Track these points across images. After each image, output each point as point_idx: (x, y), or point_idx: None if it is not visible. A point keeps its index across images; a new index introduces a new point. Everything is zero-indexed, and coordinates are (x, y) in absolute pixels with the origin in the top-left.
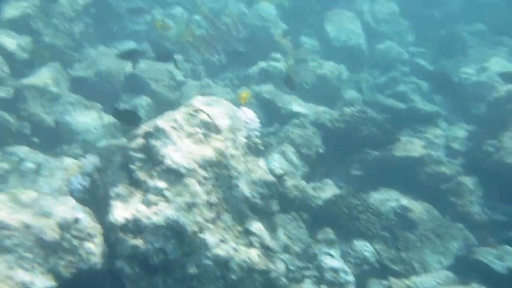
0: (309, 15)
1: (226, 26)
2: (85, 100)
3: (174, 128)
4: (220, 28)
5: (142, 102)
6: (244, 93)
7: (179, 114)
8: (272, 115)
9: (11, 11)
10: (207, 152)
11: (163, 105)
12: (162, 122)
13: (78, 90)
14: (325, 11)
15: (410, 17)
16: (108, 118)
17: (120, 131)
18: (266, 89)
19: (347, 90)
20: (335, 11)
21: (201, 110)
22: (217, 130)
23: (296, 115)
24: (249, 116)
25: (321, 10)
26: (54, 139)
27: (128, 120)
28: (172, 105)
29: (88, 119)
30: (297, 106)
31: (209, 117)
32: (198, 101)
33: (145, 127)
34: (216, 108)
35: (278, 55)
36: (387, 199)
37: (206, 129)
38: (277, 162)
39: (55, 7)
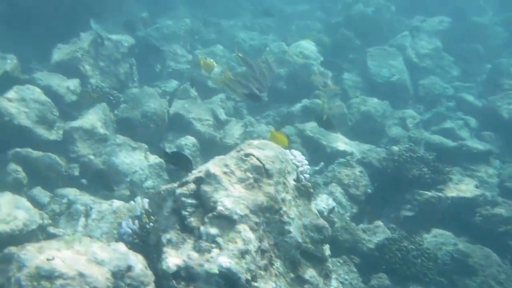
0: (350, 51)
1: (260, 67)
2: (131, 140)
3: (225, 173)
4: (254, 68)
5: (187, 142)
6: (280, 134)
7: (230, 159)
8: (316, 153)
9: (60, 55)
10: (259, 197)
11: (207, 145)
12: (213, 167)
13: (124, 131)
14: (365, 47)
15: (453, 51)
16: (154, 159)
17: (165, 172)
18: (310, 126)
19: (391, 127)
20: (376, 47)
21: (252, 155)
22: (267, 174)
23: (342, 153)
24: (299, 159)
25: (361, 46)
26: (103, 180)
27: (180, 164)
28: (216, 144)
29: (135, 159)
30: (342, 144)
31: (260, 161)
32: (248, 145)
33: (196, 172)
34: (266, 151)
35: (320, 93)
36: (442, 242)
37: (257, 174)
38: (326, 203)
39: (101, 49)
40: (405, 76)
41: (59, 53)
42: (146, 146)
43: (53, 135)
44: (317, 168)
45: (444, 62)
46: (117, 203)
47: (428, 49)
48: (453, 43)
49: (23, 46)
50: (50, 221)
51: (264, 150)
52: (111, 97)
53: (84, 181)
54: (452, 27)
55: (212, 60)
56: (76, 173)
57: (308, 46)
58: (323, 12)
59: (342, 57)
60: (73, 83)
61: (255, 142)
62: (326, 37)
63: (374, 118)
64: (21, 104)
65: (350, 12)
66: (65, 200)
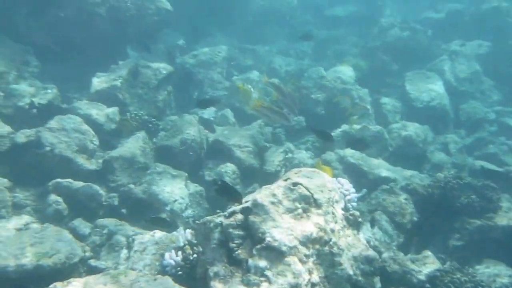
0: (387, 75)
1: (291, 94)
2: (171, 169)
3: (273, 203)
4: (286, 96)
5: (228, 169)
6: (324, 166)
7: (277, 188)
8: (358, 180)
9: (100, 84)
10: (308, 228)
11: (247, 172)
12: (261, 196)
13: (164, 159)
14: (402, 71)
15: (494, 75)
16: (194, 187)
17: (206, 200)
18: (351, 152)
19: (434, 152)
20: (415, 71)
21: (300, 184)
22: (316, 204)
23: (385, 180)
24: (346, 187)
25: (399, 70)
26: (143, 210)
27: (228, 194)
28: (256, 171)
29: (175, 188)
30: (385, 170)
31: (308, 190)
32: (295, 174)
33: (243, 202)
34: (314, 180)
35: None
36: (496, 274)
37: (305, 203)
38: (371, 233)
39: (140, 77)
40: (445, 100)
41: (98, 82)
42: (186, 174)
43: (93, 165)
44: (359, 195)
45: (484, 86)
46: (159, 233)
47: (467, 73)
48: (493, 66)
49: (63, 76)
50: (91, 253)
51: (312, 179)
52: (150, 125)
53: (124, 210)
54: (492, 51)
55: (249, 86)
56: (116, 202)
57: (345, 71)
58: (358, 37)
59: (379, 81)
60: (112, 111)
61: (303, 170)
62: (363, 62)
63: (416, 144)
64: (62, 134)
65: (386, 36)
66: (105, 231)
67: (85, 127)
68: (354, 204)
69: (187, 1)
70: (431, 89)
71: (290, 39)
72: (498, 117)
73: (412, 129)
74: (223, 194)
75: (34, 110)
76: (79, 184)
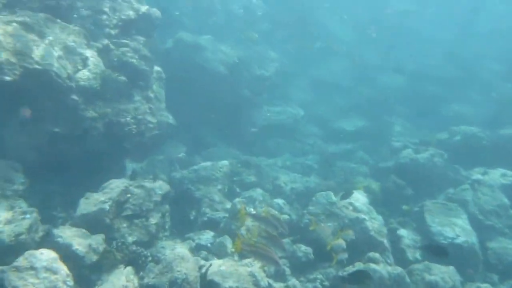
0: (402, 201)
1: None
2: None
3: None
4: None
5: None
6: None
7: None
8: None
9: (87, 207)
10: None
11: None
12: None
13: None
14: (418, 196)
15: None
16: None
17: None
18: None
19: None
20: (435, 201)
21: None
22: None
23: None
24: None
25: (414, 195)
26: None
27: None
28: None
29: None
30: None
31: None
32: None
33: None
34: None
35: (376, 255)
36: None
37: None
38: None
39: (132, 199)
40: (473, 238)
41: (86, 204)
42: None
43: None
44: None
45: None
46: None
47: (493, 205)
48: None
49: (52, 191)
50: None
51: None
52: (137, 257)
53: None
54: None
55: (252, 209)
56: None
57: (358, 197)
58: (366, 153)
59: (394, 207)
60: (96, 240)
61: None
62: (375, 184)
63: None
64: (29, 274)
65: (399, 158)
66: None
67: (59, 265)
68: None
69: (191, 112)
70: (455, 223)
71: (296, 153)
72: None
73: (438, 272)
74: None
75: None
76: None
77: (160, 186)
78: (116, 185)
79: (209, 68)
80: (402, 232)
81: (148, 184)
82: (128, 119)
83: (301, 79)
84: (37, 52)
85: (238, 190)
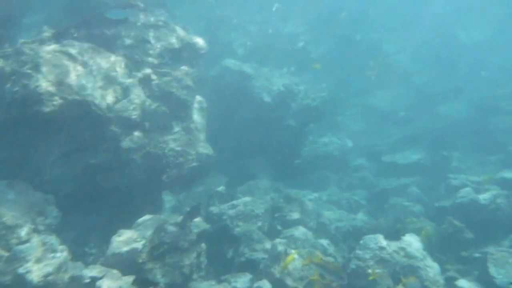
0: (461, 246)
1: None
2: None
3: None
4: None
5: None
6: None
7: None
8: None
9: (119, 245)
10: None
11: None
12: None
13: None
14: (481, 242)
15: None
16: None
17: None
18: None
19: None
20: (500, 249)
21: None
22: None
23: None
24: None
25: (476, 239)
26: None
27: None
28: None
29: None
30: None
31: None
32: None
33: None
34: None
35: None
36: None
37: None
38: None
39: (167, 237)
40: None
41: (118, 242)
42: None
43: None
44: None
45: None
46: None
47: None
48: None
49: (86, 226)
50: None
51: None
52: None
53: None
54: None
55: (293, 252)
56: None
57: (411, 241)
58: (420, 188)
59: (451, 252)
60: (126, 283)
61: None
62: (429, 225)
63: None
64: None
65: (457, 197)
66: None
67: None
68: None
69: (234, 141)
70: None
71: (343, 187)
72: None
73: None
74: None
75: None
76: None
77: (198, 224)
78: (150, 222)
79: (253, 97)
80: (462, 283)
81: (184, 221)
82: (166, 151)
83: (351, 106)
84: (77, 82)
85: (279, 227)
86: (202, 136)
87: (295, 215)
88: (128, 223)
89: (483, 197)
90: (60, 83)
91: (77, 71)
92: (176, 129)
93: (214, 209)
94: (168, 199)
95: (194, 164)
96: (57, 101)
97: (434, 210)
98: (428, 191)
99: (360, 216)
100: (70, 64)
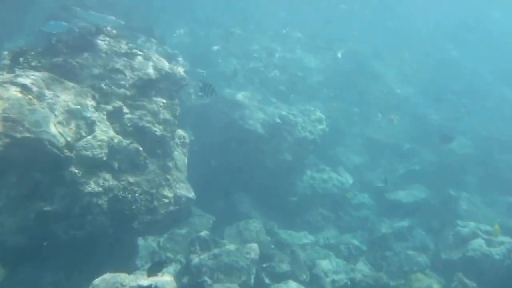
0: None
1: None
2: None
3: None
4: None
5: None
6: None
7: None
8: None
9: None
10: None
11: None
12: None
13: None
14: None
15: None
16: None
17: None
18: None
19: None
20: None
21: None
22: None
23: None
24: None
25: None
26: None
27: None
28: None
29: None
30: None
31: None
32: None
33: None
34: None
35: None
36: None
37: None
38: None
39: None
40: None
41: None
42: None
43: None
44: None
45: None
46: None
47: None
48: None
49: (40, 282)
50: None
51: None
52: None
53: None
54: None
55: None
56: None
57: None
58: (426, 232)
59: None
60: None
61: None
62: (437, 283)
63: None
64: None
65: (468, 250)
66: None
67: None
68: None
69: (224, 176)
70: None
71: (341, 228)
72: None
73: None
74: None
75: None
76: None
77: (165, 284)
78: (105, 285)
79: (246, 128)
80: None
81: (148, 282)
82: (137, 194)
83: (352, 139)
84: (30, 118)
85: (267, 281)
86: (182, 176)
87: (286, 267)
88: (91, 279)
89: (496, 251)
90: (7, 119)
91: (31, 105)
92: (151, 168)
93: (194, 258)
94: (147, 244)
95: (171, 208)
96: (3, 140)
97: (441, 262)
98: (435, 235)
99: (360, 266)
100: (22, 97)
